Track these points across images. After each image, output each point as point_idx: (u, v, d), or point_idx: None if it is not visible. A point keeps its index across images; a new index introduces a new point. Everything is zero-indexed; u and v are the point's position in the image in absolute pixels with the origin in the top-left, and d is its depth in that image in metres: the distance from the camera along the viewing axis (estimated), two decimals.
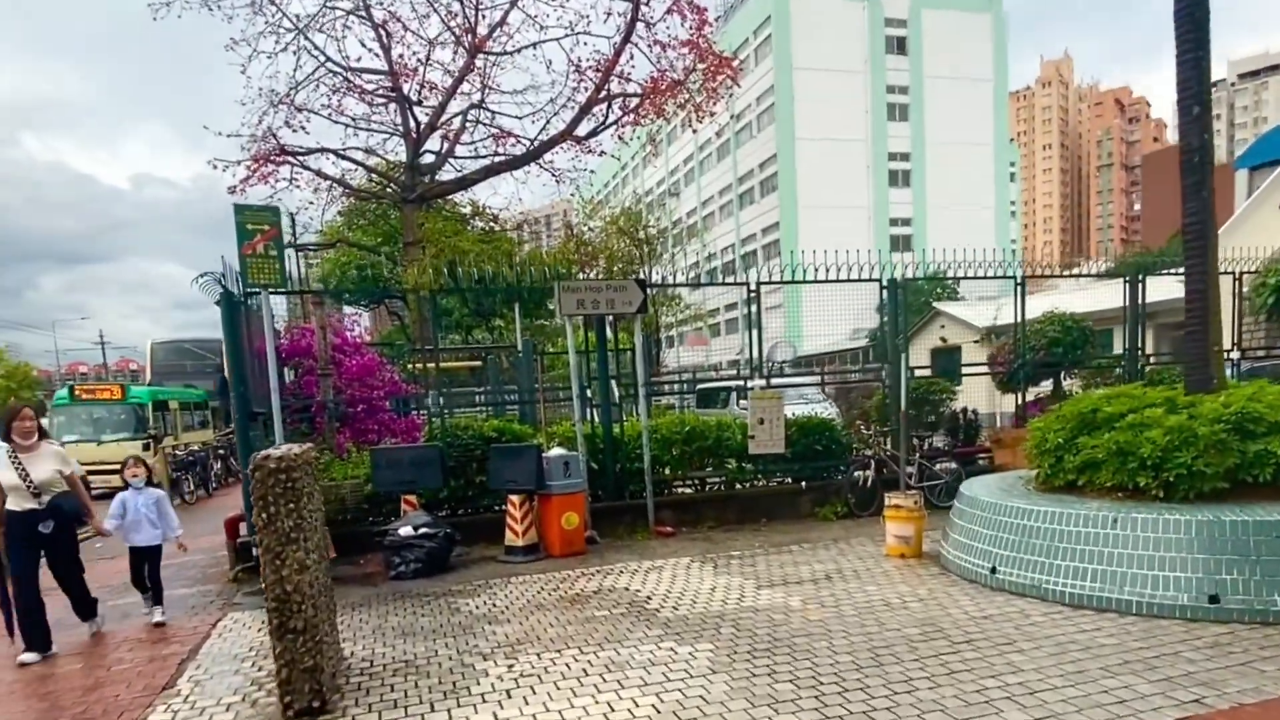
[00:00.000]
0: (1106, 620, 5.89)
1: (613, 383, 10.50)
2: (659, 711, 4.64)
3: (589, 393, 10.64)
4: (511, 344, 15.56)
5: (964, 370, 12.96)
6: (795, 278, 10.64)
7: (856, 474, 10.70)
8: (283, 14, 19.06)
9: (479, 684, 5.26)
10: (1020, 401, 11.85)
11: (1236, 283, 12.52)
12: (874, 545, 8.86)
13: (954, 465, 11.06)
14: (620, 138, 21.17)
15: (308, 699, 4.96)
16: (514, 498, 9.05)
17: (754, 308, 10.51)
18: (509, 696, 5.01)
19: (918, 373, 11.45)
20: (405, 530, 8.65)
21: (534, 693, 5.05)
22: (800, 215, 61.46)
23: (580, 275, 20.70)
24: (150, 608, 7.52)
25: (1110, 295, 16.81)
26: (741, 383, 16.52)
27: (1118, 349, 12.41)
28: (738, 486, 10.94)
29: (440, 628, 6.61)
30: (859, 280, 10.74)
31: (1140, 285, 11.92)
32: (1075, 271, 13.68)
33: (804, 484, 10.96)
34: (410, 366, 13.18)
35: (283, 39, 19.08)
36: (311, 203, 33.54)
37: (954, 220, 62.16)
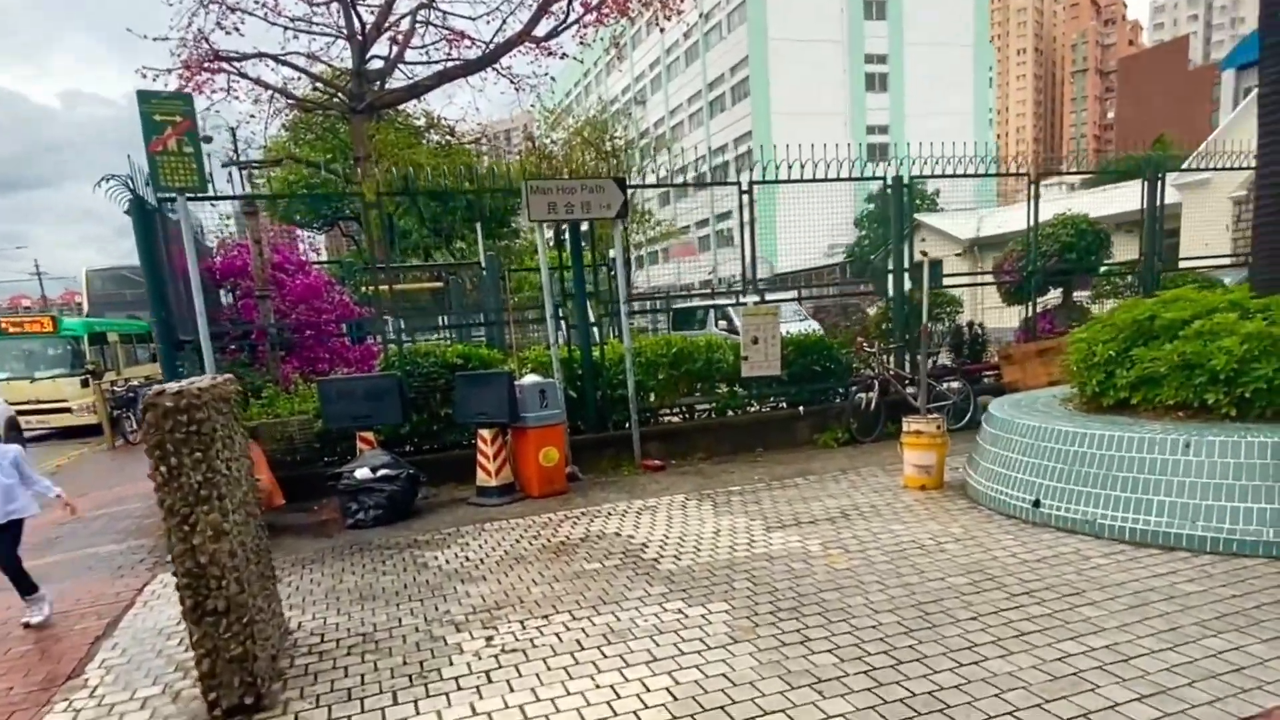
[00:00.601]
0: (1179, 561, 5.09)
1: (589, 302, 9.40)
2: (675, 697, 3.75)
3: (563, 313, 9.55)
4: (475, 261, 14.30)
5: (948, 281, 12.00)
6: (789, 177, 9.52)
7: (859, 396, 9.82)
8: None
9: (451, 664, 4.33)
10: (1030, 314, 10.99)
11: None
12: (886, 475, 8.03)
13: (960, 384, 10.23)
14: (582, 40, 19.66)
15: (238, 694, 3.99)
16: (484, 432, 8.04)
17: (746, 213, 9.39)
18: (488, 680, 4.09)
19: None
20: (362, 472, 7.63)
21: (519, 674, 4.13)
22: (774, 122, 59.26)
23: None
24: (27, 605, 5.61)
25: (1112, 201, 15.92)
26: (727, 300, 15.60)
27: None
28: (730, 414, 10.01)
29: (405, 588, 5.65)
30: (862, 180, 9.67)
31: (1160, 184, 10.98)
32: (1091, 169, 12.67)
33: (801, 409, 10.06)
34: (364, 289, 11.93)
35: None
36: (253, 116, 31.46)
37: (932, 128, 60.29)
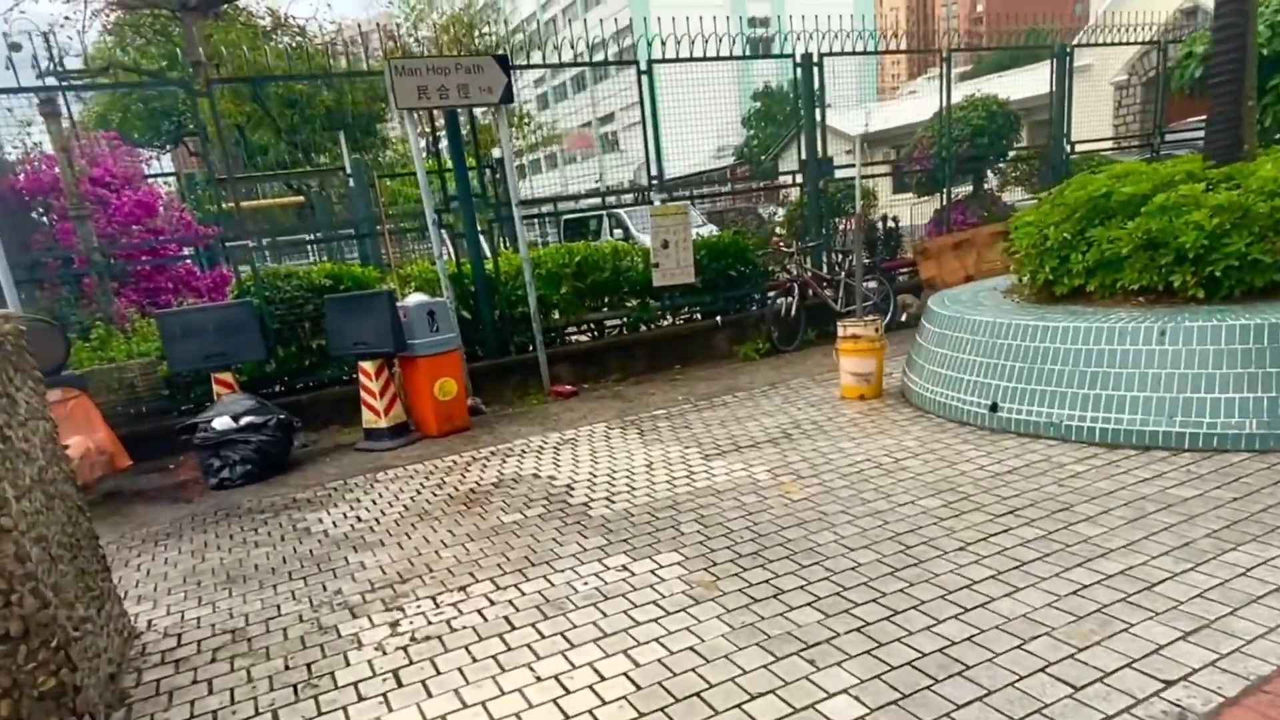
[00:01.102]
0: (1160, 462, 4.67)
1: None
2: (636, 686, 3.00)
3: (447, 221, 8.39)
4: (339, 168, 12.69)
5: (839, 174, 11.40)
6: (687, 55, 8.53)
7: (779, 302, 9.16)
8: None
9: (348, 663, 3.45)
10: (944, 204, 10.53)
11: (1161, 54, 11.42)
12: (819, 387, 7.44)
13: (878, 283, 9.73)
14: None
15: None
16: (366, 365, 6.94)
17: (647, 99, 8.37)
18: (398, 683, 3.24)
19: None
20: (222, 421, 6.45)
21: (436, 671, 3.29)
22: (653, 15, 56.79)
23: None
24: None
25: (1017, 85, 15.59)
26: (628, 207, 14.59)
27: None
28: (643, 328, 9.17)
29: (284, 564, 4.67)
30: (770, 57, 8.78)
31: (1070, 61, 10.56)
32: (999, 45, 12.14)
33: (719, 319, 9.34)
34: (211, 207, 10.31)
35: None
36: (68, 18, 27.51)
37: (812, 12, 59.31)
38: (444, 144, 8.18)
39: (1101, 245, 5.50)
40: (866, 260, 10.29)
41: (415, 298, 7.01)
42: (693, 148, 9.95)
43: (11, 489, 2.92)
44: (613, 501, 5.03)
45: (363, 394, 7.01)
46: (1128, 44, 12.15)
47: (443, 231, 8.15)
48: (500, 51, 9.11)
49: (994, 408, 5.52)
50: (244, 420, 6.45)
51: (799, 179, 9.75)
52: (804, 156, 9.54)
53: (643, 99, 8.41)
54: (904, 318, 9.77)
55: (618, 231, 17.96)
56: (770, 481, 5.06)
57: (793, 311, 9.11)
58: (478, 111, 10.06)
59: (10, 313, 3.61)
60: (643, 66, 8.37)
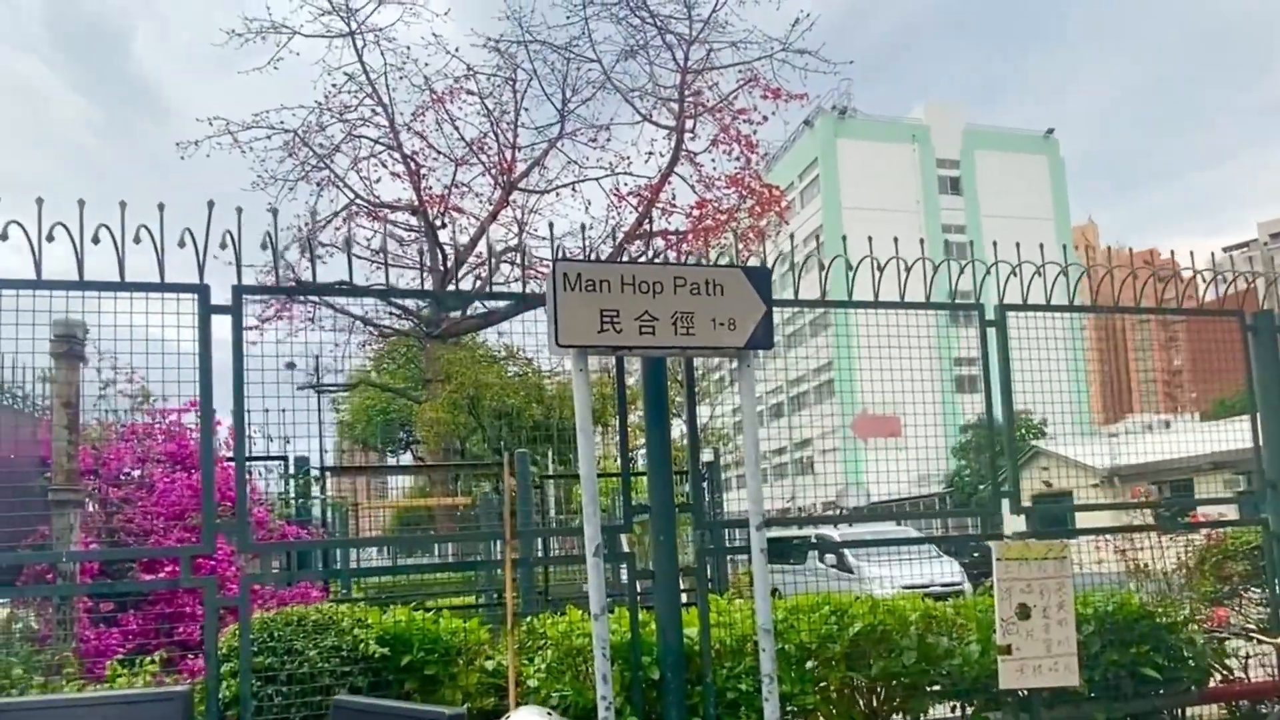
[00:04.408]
0: None
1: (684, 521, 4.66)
2: None
3: (625, 544, 4.75)
4: (497, 462, 9.67)
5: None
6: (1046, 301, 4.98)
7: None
8: (317, 157, 18.34)
9: None
10: None
11: None
12: None
13: None
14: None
15: None
16: None
17: (997, 356, 4.74)
18: None
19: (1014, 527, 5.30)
20: None
21: None
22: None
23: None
24: None
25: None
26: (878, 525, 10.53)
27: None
28: None
29: None
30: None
31: None
32: None
33: None
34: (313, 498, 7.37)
35: (312, 177, 18.39)
36: (337, 345, 30.62)
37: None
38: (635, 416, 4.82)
39: None
40: None
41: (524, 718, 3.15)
42: (896, 471, 5.88)
43: None
44: None
45: None
46: None
47: (616, 560, 4.51)
48: (757, 263, 6.04)
49: None
50: None
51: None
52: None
53: (986, 354, 4.81)
54: None
55: (829, 558, 13.49)
56: None
57: None
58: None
59: None
60: (989, 316, 4.91)
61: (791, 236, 5.85)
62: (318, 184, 18.84)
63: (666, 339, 4.09)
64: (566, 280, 4.03)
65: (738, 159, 19.57)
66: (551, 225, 5.25)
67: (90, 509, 5.56)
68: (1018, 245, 5.42)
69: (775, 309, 4.28)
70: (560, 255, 4.41)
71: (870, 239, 5.27)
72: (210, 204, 4.16)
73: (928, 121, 64.76)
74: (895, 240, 5.27)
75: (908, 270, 5.21)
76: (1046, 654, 4.63)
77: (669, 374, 4.60)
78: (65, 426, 5.15)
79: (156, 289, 4.16)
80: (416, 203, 18.93)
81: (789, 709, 4.43)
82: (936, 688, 4.79)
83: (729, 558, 8.29)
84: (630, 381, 6.68)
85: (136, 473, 6.27)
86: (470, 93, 19.09)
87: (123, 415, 6.35)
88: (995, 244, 5.55)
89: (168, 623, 5.24)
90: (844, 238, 5.46)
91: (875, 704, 4.76)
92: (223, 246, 4.19)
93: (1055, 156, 66.61)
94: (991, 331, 5.10)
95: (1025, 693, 4.80)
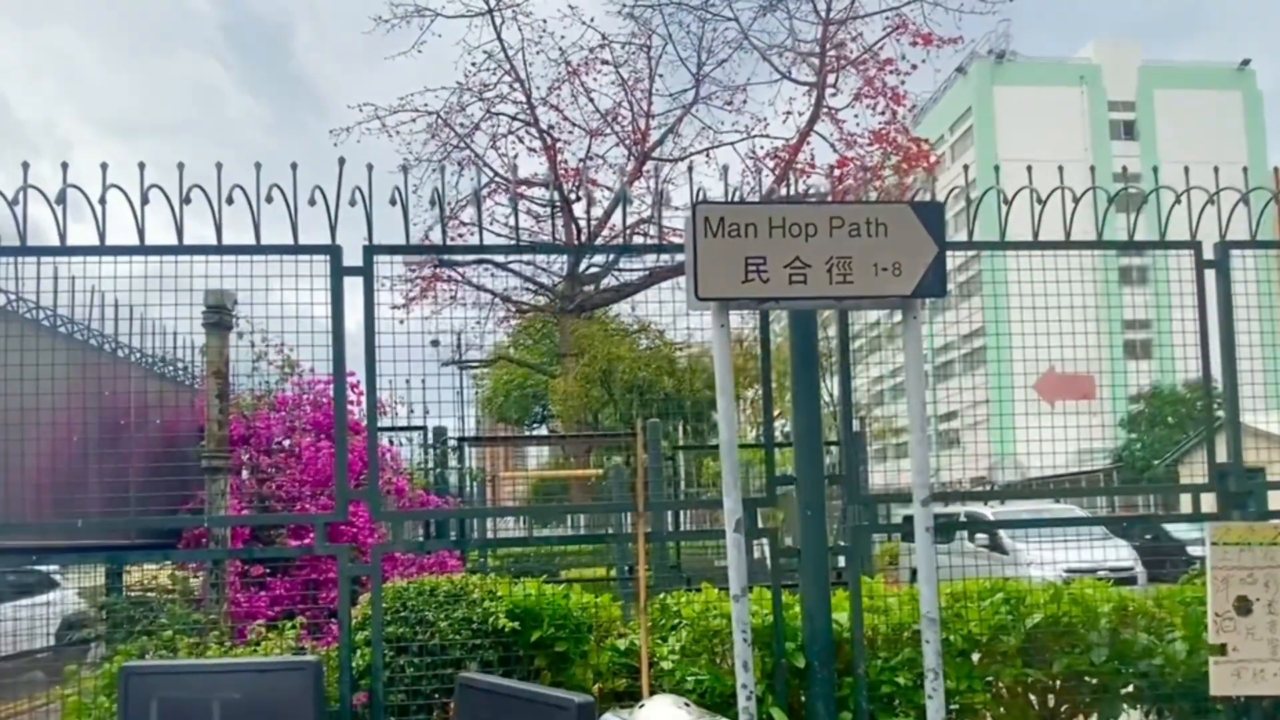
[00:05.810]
0: None
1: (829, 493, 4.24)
2: None
3: (765, 521, 4.38)
4: (630, 433, 9.47)
5: None
6: None
7: None
8: (458, 137, 18.97)
9: None
10: None
11: None
12: None
13: None
14: None
15: None
16: None
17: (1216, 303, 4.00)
18: None
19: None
20: None
21: None
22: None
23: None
24: None
25: None
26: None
27: None
28: None
29: None
30: None
31: None
32: None
33: None
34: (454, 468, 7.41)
35: (453, 157, 19.00)
36: (478, 321, 31.98)
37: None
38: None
39: None
40: None
41: (660, 710, 2.86)
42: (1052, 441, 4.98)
43: None
44: None
45: None
46: None
47: (761, 544, 4.16)
48: (925, 197, 5.50)
49: None
50: None
51: None
52: None
53: (1203, 304, 4.09)
54: None
55: (980, 537, 12.45)
56: None
57: None
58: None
59: None
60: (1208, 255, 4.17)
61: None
62: (459, 164, 19.35)
63: (820, 288, 3.62)
64: (708, 225, 3.63)
65: (882, 113, 18.49)
66: (691, 168, 4.81)
67: (242, 476, 5.73)
68: (1215, 171, 4.68)
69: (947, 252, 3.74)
70: (700, 198, 3.98)
71: (1029, 168, 4.61)
72: (341, 160, 4.08)
73: (1097, 61, 59.27)
74: (1060, 169, 4.60)
75: (1075, 202, 4.55)
76: (1271, 656, 3.93)
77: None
78: (217, 395, 5.31)
79: (290, 250, 4.13)
80: (553, 177, 19.18)
81: (952, 707, 3.96)
82: (1129, 690, 4.18)
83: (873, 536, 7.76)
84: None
85: (287, 442, 6.43)
86: (605, 62, 18.99)
87: (273, 385, 6.54)
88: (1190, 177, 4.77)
89: (313, 588, 5.35)
90: (996, 167, 4.83)
91: (1054, 705, 4.19)
92: (352, 204, 4.10)
93: (1252, 90, 59.52)
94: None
95: (1241, 700, 4.12)
